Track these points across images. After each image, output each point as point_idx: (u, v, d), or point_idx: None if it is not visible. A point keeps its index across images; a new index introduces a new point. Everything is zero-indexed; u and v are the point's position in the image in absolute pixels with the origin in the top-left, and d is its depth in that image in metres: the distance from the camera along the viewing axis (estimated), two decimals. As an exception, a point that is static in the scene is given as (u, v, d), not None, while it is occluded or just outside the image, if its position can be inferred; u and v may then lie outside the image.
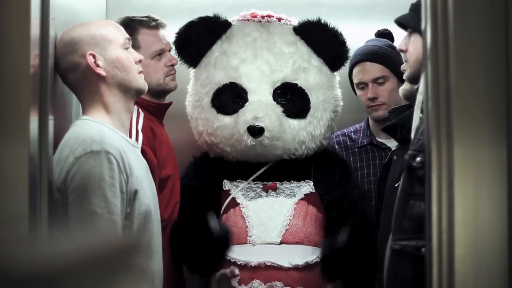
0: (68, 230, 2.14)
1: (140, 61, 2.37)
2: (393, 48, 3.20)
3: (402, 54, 2.56)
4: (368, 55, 3.20)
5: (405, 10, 2.53)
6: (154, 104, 2.95)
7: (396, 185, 2.63)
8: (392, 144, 3.19)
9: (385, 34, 3.31)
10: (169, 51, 3.03)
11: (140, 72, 2.36)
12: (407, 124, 2.51)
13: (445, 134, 1.83)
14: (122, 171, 2.15)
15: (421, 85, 2.32)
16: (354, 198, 2.95)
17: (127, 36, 2.38)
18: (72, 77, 2.28)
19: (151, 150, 2.75)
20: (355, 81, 3.28)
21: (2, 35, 1.86)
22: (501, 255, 1.78)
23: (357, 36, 3.28)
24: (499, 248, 1.78)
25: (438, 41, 1.94)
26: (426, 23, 1.93)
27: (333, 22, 2.97)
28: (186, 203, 2.90)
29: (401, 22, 2.57)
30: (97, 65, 2.26)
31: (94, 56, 2.26)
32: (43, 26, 1.98)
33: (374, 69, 3.21)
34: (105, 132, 2.20)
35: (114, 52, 2.30)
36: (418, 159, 2.21)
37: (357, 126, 3.38)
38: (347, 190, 2.96)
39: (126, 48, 2.34)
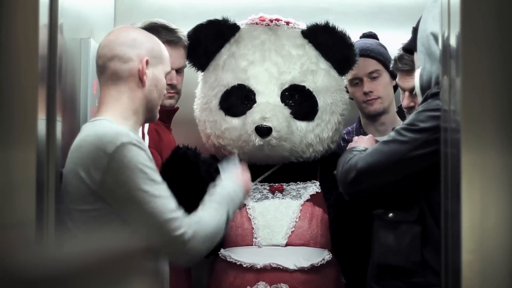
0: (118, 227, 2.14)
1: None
2: (383, 46, 3.30)
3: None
4: (361, 50, 3.20)
5: (411, 16, 2.55)
6: (160, 109, 2.95)
7: None
8: None
9: (370, 36, 3.37)
10: (176, 69, 2.99)
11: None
12: None
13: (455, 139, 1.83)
14: (151, 159, 2.18)
15: (416, 82, 2.46)
16: None
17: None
18: (116, 66, 2.27)
19: (157, 152, 2.75)
20: (348, 77, 3.28)
21: (10, 39, 1.87)
22: (507, 262, 1.78)
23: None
24: (505, 254, 1.78)
25: (446, 48, 1.94)
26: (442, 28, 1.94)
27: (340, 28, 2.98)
28: None
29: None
30: (145, 73, 2.29)
31: (147, 63, 2.28)
32: (51, 30, 1.99)
33: (368, 64, 3.25)
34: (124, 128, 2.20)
35: (160, 73, 2.34)
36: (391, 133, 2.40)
37: (349, 128, 3.39)
38: None
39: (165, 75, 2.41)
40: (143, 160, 2.11)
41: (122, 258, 1.04)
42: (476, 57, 1.79)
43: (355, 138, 2.75)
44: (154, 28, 2.85)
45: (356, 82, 3.28)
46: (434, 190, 2.21)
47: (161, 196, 2.12)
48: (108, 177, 2.09)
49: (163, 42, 2.85)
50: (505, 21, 1.77)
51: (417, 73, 2.42)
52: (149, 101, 2.31)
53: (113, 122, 2.20)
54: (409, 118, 2.37)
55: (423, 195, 2.33)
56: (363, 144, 2.61)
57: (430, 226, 2.30)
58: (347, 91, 3.30)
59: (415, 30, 2.53)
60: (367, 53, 3.24)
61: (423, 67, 2.39)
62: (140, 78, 2.27)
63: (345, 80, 3.11)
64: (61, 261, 0.95)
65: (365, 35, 3.39)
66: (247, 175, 2.55)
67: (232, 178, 2.46)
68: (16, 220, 1.86)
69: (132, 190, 2.09)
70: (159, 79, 2.33)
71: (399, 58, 2.97)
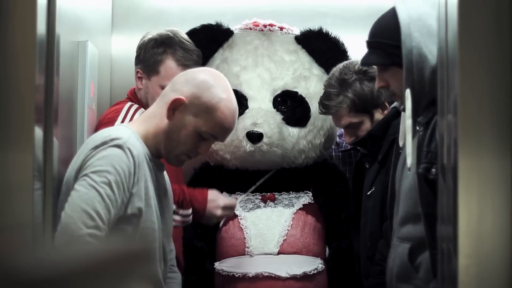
0: None
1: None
2: None
3: (385, 89, 2.48)
4: None
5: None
6: None
7: (368, 193, 2.68)
8: None
9: None
10: None
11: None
12: (378, 135, 2.63)
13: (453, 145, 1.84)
14: (136, 172, 2.09)
15: (407, 103, 2.26)
16: (351, 211, 2.95)
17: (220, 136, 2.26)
18: (168, 88, 2.25)
19: None
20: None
21: (8, 42, 1.87)
22: (504, 267, 1.78)
23: (362, 47, 3.27)
24: (502, 259, 1.78)
25: (443, 52, 1.96)
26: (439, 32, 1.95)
27: (338, 32, 2.98)
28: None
29: (367, 63, 2.53)
30: (173, 112, 2.18)
31: (181, 104, 2.17)
32: (49, 33, 1.99)
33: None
34: (133, 137, 2.14)
35: (193, 126, 2.18)
36: (433, 170, 2.18)
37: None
38: (347, 203, 2.97)
39: (205, 139, 2.22)
40: (120, 163, 2.06)
41: (121, 260, 1.04)
42: (473, 61, 1.80)
43: None
44: (170, 42, 2.82)
45: None
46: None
47: (102, 196, 2.02)
48: (83, 164, 2.07)
49: (176, 63, 2.79)
50: (503, 23, 1.78)
51: (408, 93, 2.33)
52: (167, 138, 2.19)
53: (131, 129, 2.18)
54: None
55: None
56: None
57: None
58: None
59: (379, 44, 2.40)
60: None
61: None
62: (166, 112, 2.18)
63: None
64: (59, 263, 0.95)
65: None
66: None
67: None
68: (14, 222, 1.85)
69: (86, 176, 2.04)
70: (187, 130, 2.18)
71: (325, 105, 2.79)
